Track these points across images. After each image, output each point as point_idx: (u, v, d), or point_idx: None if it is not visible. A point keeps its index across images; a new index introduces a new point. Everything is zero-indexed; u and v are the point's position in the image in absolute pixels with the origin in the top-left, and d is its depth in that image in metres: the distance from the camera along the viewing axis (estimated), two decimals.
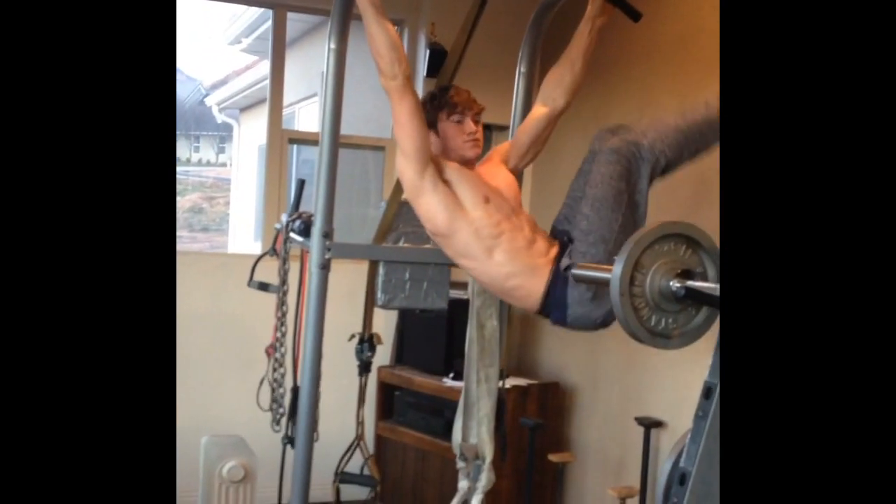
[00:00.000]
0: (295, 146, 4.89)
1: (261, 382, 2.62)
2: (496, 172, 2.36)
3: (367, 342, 2.62)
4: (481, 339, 2.67)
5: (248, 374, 2.83)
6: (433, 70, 3.95)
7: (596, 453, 3.92)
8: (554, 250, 2.17)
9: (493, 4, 2.58)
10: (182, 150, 11.80)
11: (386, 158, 4.39)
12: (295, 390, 2.49)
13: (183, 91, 10.09)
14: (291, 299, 2.59)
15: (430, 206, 2.18)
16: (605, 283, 1.89)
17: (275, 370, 2.62)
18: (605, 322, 2.13)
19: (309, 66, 6.37)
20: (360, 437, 2.64)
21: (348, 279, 3.06)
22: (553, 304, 2.14)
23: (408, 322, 4.21)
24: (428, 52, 4.08)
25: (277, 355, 2.62)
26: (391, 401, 4.17)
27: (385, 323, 4.11)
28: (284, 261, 2.61)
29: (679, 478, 1.56)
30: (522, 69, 2.69)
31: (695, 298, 1.75)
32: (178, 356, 1.67)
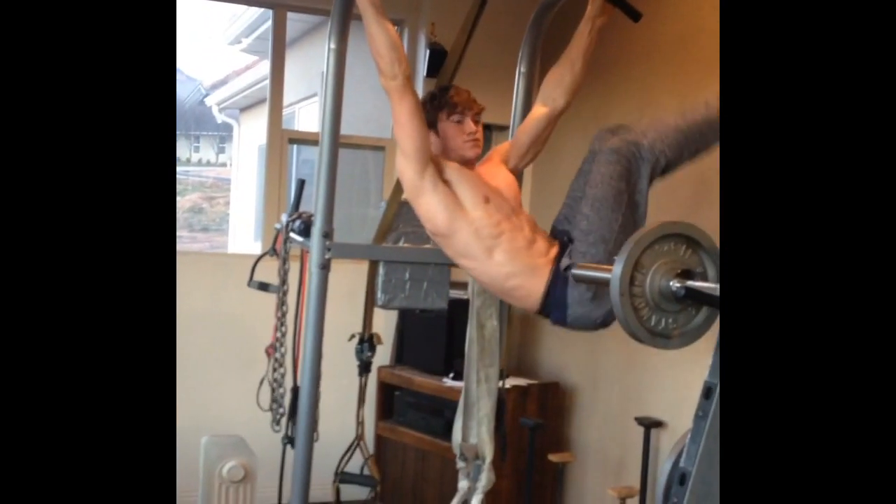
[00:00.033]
0: (295, 146, 4.90)
1: (261, 382, 2.62)
2: (496, 172, 2.36)
3: (367, 342, 2.62)
4: (481, 338, 2.67)
5: (248, 374, 2.83)
6: (433, 70, 3.95)
7: (596, 453, 3.92)
8: (554, 250, 2.17)
9: (493, 4, 2.58)
10: (182, 150, 11.80)
11: (386, 158, 4.39)
12: (295, 390, 2.49)
13: (183, 91, 10.09)
14: (291, 299, 2.59)
15: (429, 206, 2.18)
16: (605, 283, 1.89)
17: (275, 370, 2.62)
18: (605, 322, 2.13)
19: (309, 66, 6.37)
20: (360, 437, 2.64)
21: (348, 279, 3.06)
22: (553, 304, 2.14)
23: (408, 322, 4.21)
24: (428, 52, 4.08)
25: (277, 355, 2.62)
26: (391, 401, 4.17)
27: (385, 323, 4.11)
28: (284, 261, 2.61)
29: (679, 478, 1.56)
30: (522, 69, 2.69)
31: (695, 298, 1.75)
32: (178, 356, 1.67)
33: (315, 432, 2.46)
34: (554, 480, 3.78)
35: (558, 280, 2.11)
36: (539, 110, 2.38)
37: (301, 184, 2.65)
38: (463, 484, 2.70)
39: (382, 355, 4.16)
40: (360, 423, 2.64)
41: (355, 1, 2.16)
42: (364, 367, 2.63)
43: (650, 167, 2.07)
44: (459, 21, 2.57)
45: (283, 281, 2.62)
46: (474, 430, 2.68)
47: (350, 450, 2.63)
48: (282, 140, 4.24)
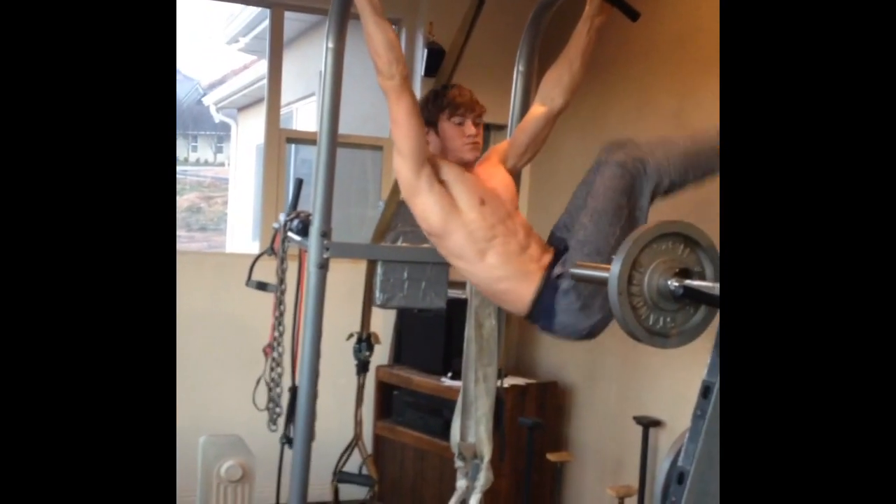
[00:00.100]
0: (293, 145, 4.89)
1: (257, 382, 2.62)
2: (494, 173, 2.36)
3: (366, 341, 2.62)
4: (479, 338, 2.67)
5: (247, 373, 2.82)
6: (431, 70, 3.95)
7: (594, 452, 3.92)
8: (547, 257, 2.17)
9: (491, 4, 2.58)
10: (180, 149, 11.81)
11: (384, 158, 4.39)
12: (293, 390, 2.49)
13: (181, 90, 10.09)
14: (289, 299, 2.59)
15: (425, 205, 2.18)
16: (602, 283, 1.89)
17: (272, 370, 2.62)
18: (591, 333, 2.14)
19: (307, 65, 6.37)
20: (358, 437, 2.65)
21: (346, 278, 3.06)
22: (541, 311, 2.14)
23: (406, 321, 4.21)
24: (426, 51, 4.08)
25: (275, 354, 2.62)
26: (389, 400, 4.17)
27: (383, 322, 4.11)
28: (282, 260, 2.61)
29: (677, 477, 1.56)
30: (521, 68, 2.69)
31: (693, 297, 1.75)
32: (177, 356, 1.67)
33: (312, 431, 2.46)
34: (552, 480, 3.79)
35: (548, 287, 2.11)
36: (537, 110, 2.38)
37: (299, 183, 2.65)
38: (461, 483, 2.70)
39: (381, 355, 4.15)
40: (358, 423, 2.64)
41: (353, 0, 2.16)
42: (362, 367, 2.63)
43: (653, 186, 2.06)
44: (457, 20, 2.57)
45: (282, 280, 2.62)
46: (472, 429, 2.69)
47: (348, 449, 2.63)
48: (280, 139, 4.24)
